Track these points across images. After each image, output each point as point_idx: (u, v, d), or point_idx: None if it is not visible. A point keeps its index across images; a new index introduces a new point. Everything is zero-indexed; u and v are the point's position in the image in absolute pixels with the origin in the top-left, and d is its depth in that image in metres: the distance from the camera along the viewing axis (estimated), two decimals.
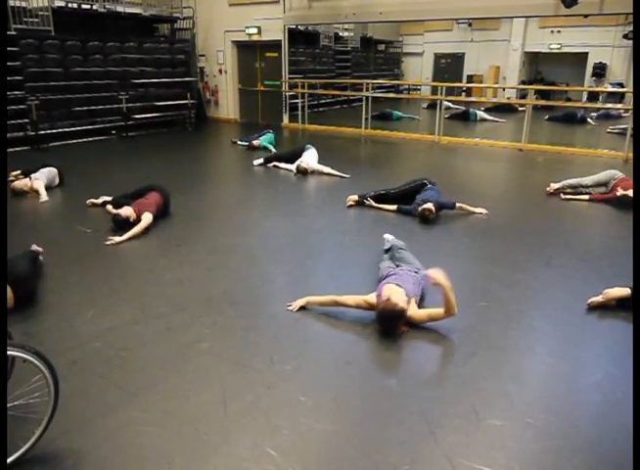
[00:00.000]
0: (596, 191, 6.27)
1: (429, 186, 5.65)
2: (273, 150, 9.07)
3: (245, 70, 13.19)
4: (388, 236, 4.46)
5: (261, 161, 8.10)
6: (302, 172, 7.44)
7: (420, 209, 5.31)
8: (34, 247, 4.14)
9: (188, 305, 3.55)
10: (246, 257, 4.49)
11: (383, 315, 3.11)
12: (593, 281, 3.94)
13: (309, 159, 7.63)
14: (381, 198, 5.78)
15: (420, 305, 3.33)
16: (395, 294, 3.15)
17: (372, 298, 3.30)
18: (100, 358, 2.91)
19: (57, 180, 6.62)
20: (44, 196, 6.06)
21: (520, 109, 14.26)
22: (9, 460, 2.05)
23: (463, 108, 14.25)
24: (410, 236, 4.97)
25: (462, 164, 9.00)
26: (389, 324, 3.13)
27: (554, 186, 6.46)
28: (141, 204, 5.14)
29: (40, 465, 2.15)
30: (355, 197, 5.87)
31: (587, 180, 6.40)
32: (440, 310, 3.14)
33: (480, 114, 13.90)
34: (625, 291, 3.47)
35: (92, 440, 2.30)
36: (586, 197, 6.18)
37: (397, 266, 3.71)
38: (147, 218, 4.96)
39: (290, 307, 3.44)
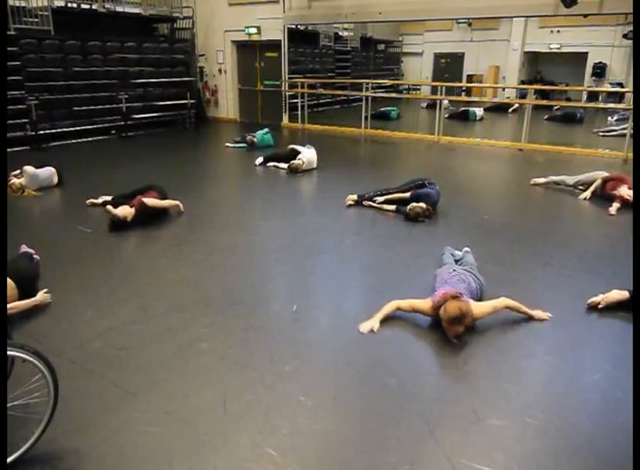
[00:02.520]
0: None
1: (427, 186, 5.65)
2: (271, 143, 9.25)
3: (244, 69, 13.19)
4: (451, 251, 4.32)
5: (262, 159, 8.12)
6: (294, 170, 7.44)
7: (407, 208, 5.35)
8: (24, 248, 4.10)
9: (188, 304, 3.55)
10: (245, 256, 4.49)
11: (448, 323, 3.06)
12: (592, 281, 3.94)
13: (307, 155, 7.65)
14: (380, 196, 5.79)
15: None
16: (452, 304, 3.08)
17: (425, 303, 3.25)
18: (100, 358, 2.91)
19: (55, 179, 6.61)
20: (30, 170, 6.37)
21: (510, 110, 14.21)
22: (9, 460, 2.05)
23: (461, 108, 14.26)
24: (409, 236, 4.98)
25: (462, 163, 9.00)
26: (455, 329, 3.06)
27: (538, 181, 6.73)
28: (139, 198, 5.17)
29: (40, 465, 2.15)
30: (355, 196, 5.88)
31: (570, 180, 6.54)
32: (504, 301, 3.26)
33: (480, 113, 13.92)
34: (624, 294, 3.48)
35: (92, 440, 2.30)
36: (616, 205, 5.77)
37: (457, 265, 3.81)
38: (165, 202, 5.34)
39: (361, 329, 3.19)
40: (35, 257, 4.07)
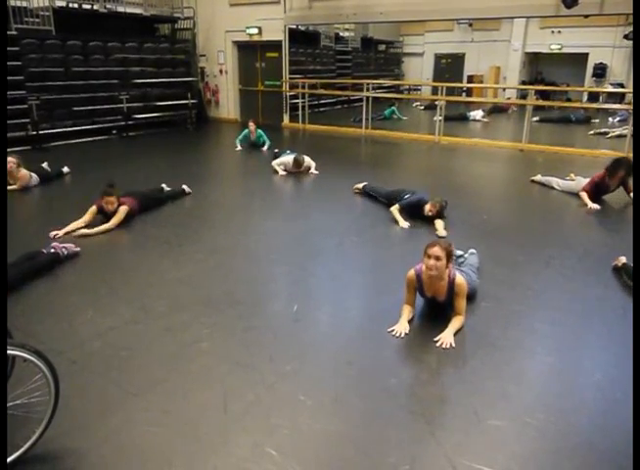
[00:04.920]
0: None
1: (414, 194, 5.52)
2: (267, 142, 9.26)
3: (245, 70, 13.20)
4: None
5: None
6: (300, 164, 7.42)
7: (427, 209, 5.22)
8: (69, 245, 4.31)
9: (188, 304, 3.55)
10: (246, 257, 4.49)
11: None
12: (592, 282, 3.95)
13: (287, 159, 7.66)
14: (373, 193, 6.11)
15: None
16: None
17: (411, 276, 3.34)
18: (100, 358, 2.91)
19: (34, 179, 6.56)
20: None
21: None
22: (9, 460, 2.05)
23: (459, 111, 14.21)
24: (409, 236, 4.98)
25: (462, 164, 8.99)
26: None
27: (535, 178, 7.02)
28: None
29: (41, 465, 2.15)
30: (360, 185, 6.33)
31: (557, 186, 6.66)
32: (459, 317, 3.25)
33: (478, 116, 13.91)
34: None
35: (92, 440, 2.30)
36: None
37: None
38: (120, 213, 5.04)
39: (395, 333, 3.15)
40: (65, 249, 4.21)
